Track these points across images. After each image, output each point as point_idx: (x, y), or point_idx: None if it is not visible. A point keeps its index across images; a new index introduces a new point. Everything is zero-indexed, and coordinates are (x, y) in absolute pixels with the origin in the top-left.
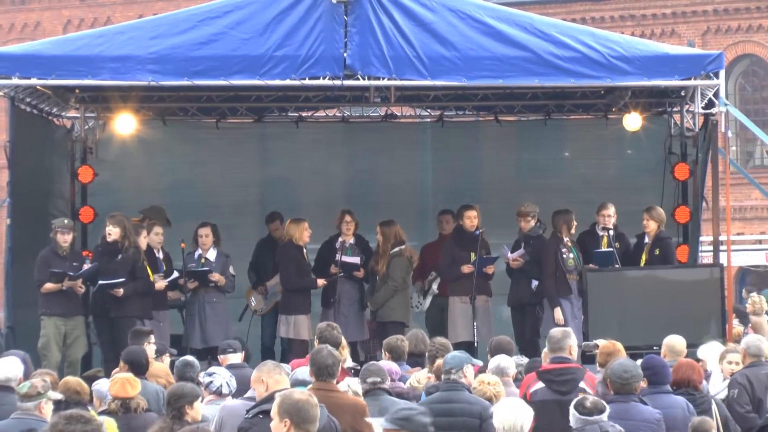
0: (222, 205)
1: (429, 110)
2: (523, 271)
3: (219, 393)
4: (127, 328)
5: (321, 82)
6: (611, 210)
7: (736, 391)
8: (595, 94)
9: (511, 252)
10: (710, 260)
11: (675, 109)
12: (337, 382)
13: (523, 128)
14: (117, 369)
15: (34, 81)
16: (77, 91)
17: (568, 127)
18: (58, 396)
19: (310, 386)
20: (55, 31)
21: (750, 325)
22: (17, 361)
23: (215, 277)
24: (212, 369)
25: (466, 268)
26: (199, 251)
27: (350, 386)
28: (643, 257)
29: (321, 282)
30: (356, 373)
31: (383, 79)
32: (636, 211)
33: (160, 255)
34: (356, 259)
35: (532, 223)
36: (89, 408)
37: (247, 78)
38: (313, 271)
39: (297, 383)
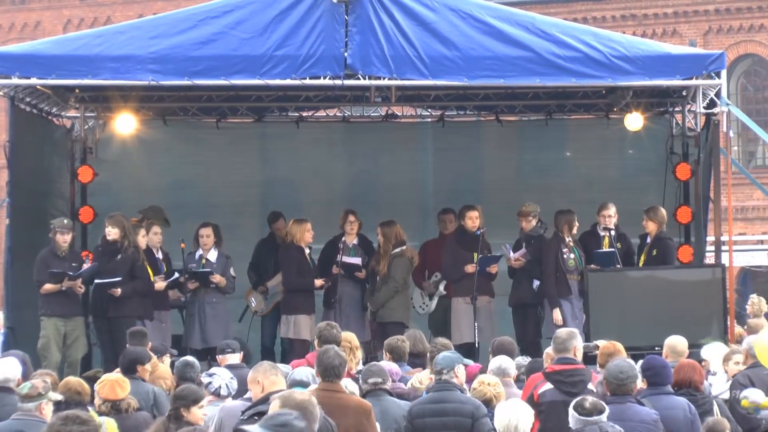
0: (222, 205)
1: (430, 110)
2: (524, 271)
3: (218, 394)
4: (127, 329)
5: (321, 81)
6: (612, 210)
7: (738, 392)
8: (597, 94)
9: (513, 252)
10: (713, 260)
11: (677, 109)
12: None
13: (524, 128)
14: (117, 369)
15: (34, 81)
16: (77, 90)
17: (570, 127)
18: (58, 397)
19: (315, 386)
20: (55, 30)
21: (745, 327)
22: (16, 362)
23: (216, 278)
24: (213, 370)
25: (470, 268)
26: (200, 252)
27: (347, 386)
28: (642, 258)
29: (319, 282)
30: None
31: (384, 78)
32: (637, 211)
33: (159, 255)
34: (357, 260)
35: (533, 222)
36: (89, 408)
37: (247, 78)
38: (316, 271)
39: (295, 383)
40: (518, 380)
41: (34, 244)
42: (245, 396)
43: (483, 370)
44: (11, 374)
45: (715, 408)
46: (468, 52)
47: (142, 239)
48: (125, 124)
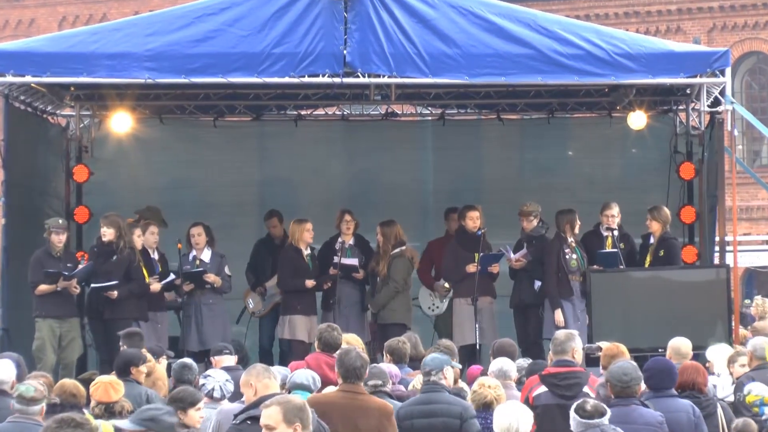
0: (220, 205)
1: (430, 108)
2: (525, 272)
3: (211, 396)
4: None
5: (320, 79)
6: (615, 210)
7: (741, 394)
8: (599, 92)
9: (514, 252)
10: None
11: (680, 108)
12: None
13: (525, 127)
14: (113, 372)
15: (28, 78)
16: (72, 88)
17: (572, 125)
18: (54, 399)
19: (336, 388)
20: (50, 28)
21: (749, 327)
22: (10, 364)
23: (211, 278)
24: (208, 372)
25: (471, 267)
26: (194, 252)
27: None
28: (648, 258)
29: (310, 283)
30: None
31: (384, 76)
32: (641, 211)
33: (155, 256)
34: (355, 261)
35: (535, 222)
36: (85, 411)
37: (245, 75)
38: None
39: (295, 387)
40: (519, 382)
41: (30, 244)
42: (242, 399)
43: (484, 372)
44: (6, 376)
45: (719, 410)
46: (469, 50)
47: (138, 239)
48: (121, 122)
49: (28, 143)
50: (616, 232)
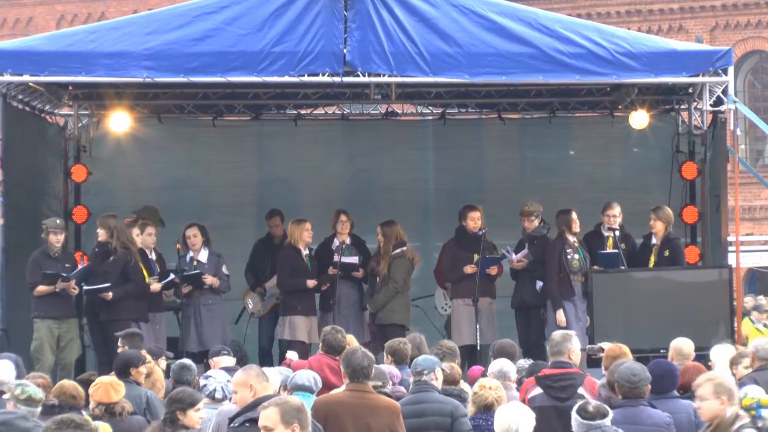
0: (219, 205)
1: (431, 107)
2: (527, 272)
3: (212, 397)
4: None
5: (320, 78)
6: (617, 210)
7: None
8: (601, 92)
9: (515, 253)
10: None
11: (683, 107)
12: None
13: (527, 126)
14: (112, 373)
15: (26, 78)
16: (70, 87)
17: (573, 125)
18: (52, 400)
19: (343, 388)
20: (48, 26)
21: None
22: (10, 365)
23: (209, 279)
24: (209, 372)
25: (469, 269)
26: (191, 254)
27: None
28: (652, 258)
29: (311, 283)
30: None
31: (384, 75)
32: (642, 211)
33: (153, 256)
34: (355, 259)
35: (536, 222)
36: (83, 412)
37: (244, 75)
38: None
39: (297, 388)
40: (520, 383)
41: (28, 244)
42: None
43: (485, 374)
44: (5, 377)
45: None
46: (469, 49)
47: (137, 239)
48: (120, 122)
49: (26, 143)
50: (617, 233)
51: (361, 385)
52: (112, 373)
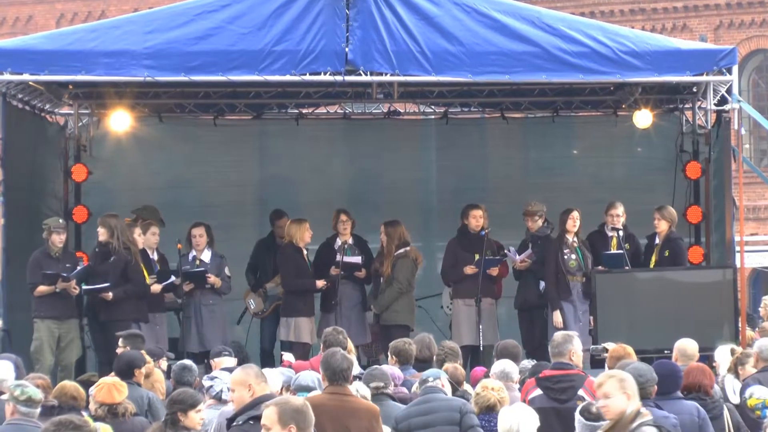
0: (220, 205)
1: (433, 107)
2: (530, 273)
3: (219, 398)
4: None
5: (322, 77)
6: (620, 209)
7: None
8: (605, 91)
9: (519, 253)
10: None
11: (686, 106)
12: None
13: (530, 125)
14: (112, 373)
15: (26, 77)
16: (71, 87)
17: (577, 124)
18: (52, 401)
19: (323, 390)
20: (48, 25)
21: (757, 329)
22: (9, 366)
23: (212, 279)
24: (215, 373)
25: (469, 269)
26: (194, 253)
27: (358, 390)
28: (653, 258)
29: (321, 283)
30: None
31: (386, 74)
32: (646, 211)
33: (155, 256)
34: (357, 259)
35: (540, 222)
36: (84, 413)
37: (245, 74)
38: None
39: (300, 389)
40: (523, 384)
41: (29, 244)
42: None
43: (487, 374)
44: (6, 377)
45: (726, 412)
46: (472, 48)
47: (139, 239)
48: (120, 121)
49: (26, 142)
50: (621, 232)
51: (341, 388)
52: (113, 373)
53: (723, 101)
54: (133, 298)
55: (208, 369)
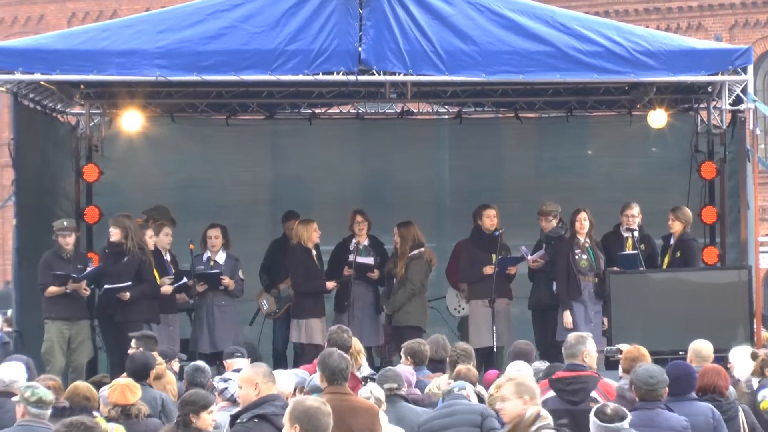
0: (232, 205)
1: (446, 106)
2: (544, 274)
3: (233, 400)
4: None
5: (335, 77)
6: (636, 210)
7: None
8: (619, 90)
9: (532, 253)
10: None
11: (701, 106)
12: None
13: (544, 125)
14: (124, 374)
15: (37, 76)
16: (82, 86)
17: (591, 124)
18: (63, 403)
19: (322, 391)
20: (59, 24)
21: None
22: (21, 367)
23: (226, 281)
24: (228, 374)
25: (489, 269)
26: (208, 254)
27: (372, 392)
28: (666, 259)
29: (331, 285)
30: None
31: (399, 74)
32: (660, 211)
33: (168, 257)
34: (370, 260)
35: (554, 223)
36: (96, 414)
37: (258, 73)
38: (327, 274)
39: (316, 390)
40: None
41: (41, 245)
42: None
43: (500, 376)
44: (17, 378)
45: (741, 414)
46: (486, 47)
47: (150, 240)
48: (132, 121)
49: (37, 142)
50: (636, 233)
51: (340, 387)
52: (124, 374)
53: (738, 101)
54: (146, 299)
55: (221, 370)
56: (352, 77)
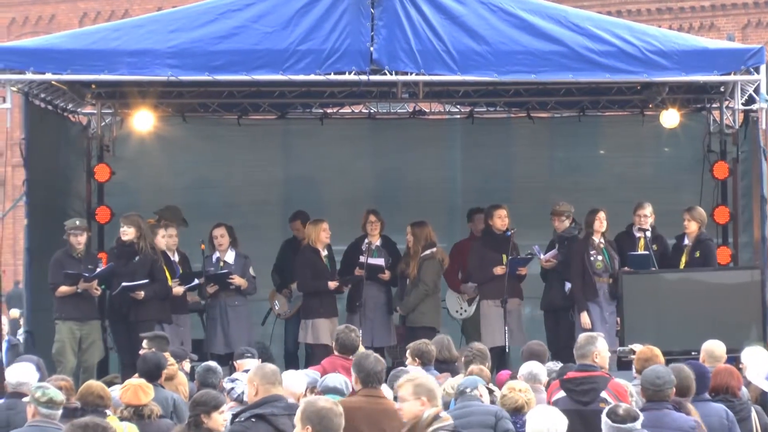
0: (243, 205)
1: (459, 106)
2: (556, 274)
3: (240, 400)
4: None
5: (346, 77)
6: (648, 210)
7: None
8: (632, 90)
9: (545, 253)
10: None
11: (714, 106)
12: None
13: (556, 125)
14: (136, 375)
15: (49, 76)
16: (93, 86)
17: (603, 123)
18: (75, 403)
19: (357, 393)
20: (70, 24)
21: None
22: (32, 368)
23: (236, 279)
24: (236, 375)
25: (499, 270)
26: (217, 254)
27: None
28: (683, 259)
29: (333, 284)
30: None
31: (411, 74)
32: (673, 211)
33: (176, 258)
34: (381, 261)
35: (567, 223)
36: (107, 412)
37: (269, 73)
38: (339, 274)
39: (329, 391)
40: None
41: (52, 244)
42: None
43: (513, 376)
44: (28, 379)
45: (753, 414)
46: (498, 47)
47: (162, 240)
48: (143, 121)
49: (49, 142)
50: (648, 233)
51: (375, 390)
52: (136, 375)
53: (750, 101)
54: (158, 299)
55: (233, 370)
56: (363, 77)
